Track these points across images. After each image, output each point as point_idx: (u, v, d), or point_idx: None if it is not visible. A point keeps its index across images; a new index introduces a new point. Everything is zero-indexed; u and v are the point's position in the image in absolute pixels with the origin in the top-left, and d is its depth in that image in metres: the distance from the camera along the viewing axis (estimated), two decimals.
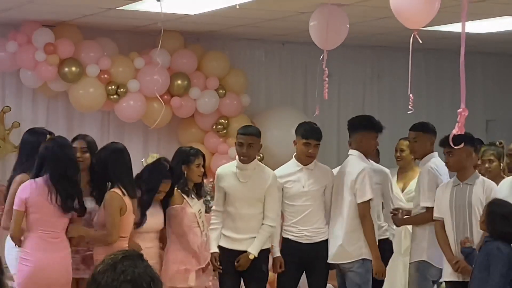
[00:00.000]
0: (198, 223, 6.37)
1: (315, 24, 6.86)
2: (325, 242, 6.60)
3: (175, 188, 6.31)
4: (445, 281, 6.50)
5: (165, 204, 6.33)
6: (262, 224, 6.47)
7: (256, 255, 6.43)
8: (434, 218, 6.44)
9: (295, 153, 6.68)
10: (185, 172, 6.36)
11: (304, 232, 6.58)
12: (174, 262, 6.30)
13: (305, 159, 6.60)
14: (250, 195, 6.46)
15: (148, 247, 6.12)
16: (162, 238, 6.41)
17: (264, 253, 6.52)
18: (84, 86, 8.49)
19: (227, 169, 6.59)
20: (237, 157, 6.55)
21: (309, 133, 6.56)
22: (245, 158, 6.44)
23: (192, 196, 6.40)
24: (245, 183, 6.46)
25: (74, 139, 6.33)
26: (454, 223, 6.30)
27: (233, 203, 6.48)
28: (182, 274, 6.30)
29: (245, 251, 6.43)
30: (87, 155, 6.20)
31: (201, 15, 7.82)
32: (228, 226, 6.49)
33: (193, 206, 6.37)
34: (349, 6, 7.03)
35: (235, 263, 6.42)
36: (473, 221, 6.22)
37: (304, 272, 6.66)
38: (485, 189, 6.30)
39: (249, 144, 6.42)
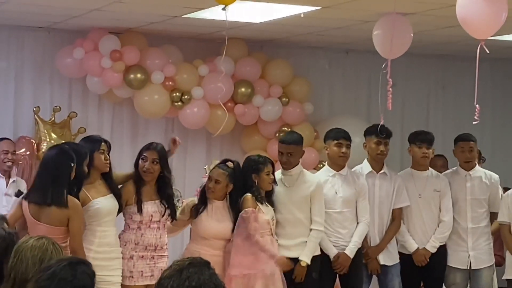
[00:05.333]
0: (271, 231, 6.38)
1: (379, 33, 6.84)
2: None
3: (250, 195, 6.29)
4: (507, 279, 6.83)
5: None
6: (311, 229, 6.54)
7: (309, 262, 6.47)
8: (500, 223, 6.79)
9: (327, 161, 6.88)
10: (256, 181, 6.37)
11: (337, 239, 6.69)
12: (236, 266, 6.23)
13: (338, 160, 6.75)
14: (295, 199, 6.54)
15: (215, 255, 6.14)
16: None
17: (315, 259, 6.55)
18: (149, 93, 8.57)
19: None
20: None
21: (339, 135, 6.80)
22: (286, 166, 6.61)
23: (266, 204, 6.41)
24: (290, 188, 6.56)
25: (146, 149, 6.25)
26: None
27: (280, 210, 6.54)
28: (242, 279, 6.24)
29: (296, 258, 6.46)
30: (157, 166, 6.18)
31: (265, 23, 7.85)
32: (278, 233, 6.52)
33: (267, 213, 6.38)
34: (414, 15, 6.98)
35: (292, 277, 6.44)
36: None
37: (338, 276, 6.73)
38: None
39: (288, 153, 6.58)
